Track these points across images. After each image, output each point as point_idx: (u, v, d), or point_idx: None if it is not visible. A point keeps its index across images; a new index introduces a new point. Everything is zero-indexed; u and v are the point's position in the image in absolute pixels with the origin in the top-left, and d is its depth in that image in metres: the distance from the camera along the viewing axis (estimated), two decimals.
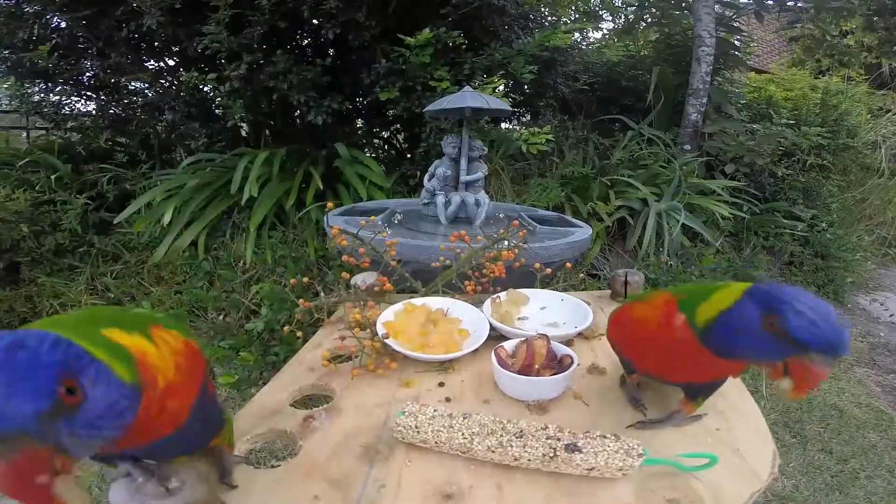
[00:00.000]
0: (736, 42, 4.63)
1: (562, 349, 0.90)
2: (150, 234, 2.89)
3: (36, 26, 3.04)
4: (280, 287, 2.47)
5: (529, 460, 0.66)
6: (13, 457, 0.32)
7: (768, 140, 3.63)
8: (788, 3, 4.84)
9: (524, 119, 4.52)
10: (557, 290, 1.24)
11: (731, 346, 0.59)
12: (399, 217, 2.02)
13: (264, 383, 0.93)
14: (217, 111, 3.29)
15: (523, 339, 0.92)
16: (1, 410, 0.32)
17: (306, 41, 3.47)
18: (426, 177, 1.96)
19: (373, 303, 1.13)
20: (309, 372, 0.95)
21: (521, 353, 0.88)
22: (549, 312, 1.17)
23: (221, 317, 2.54)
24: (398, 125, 3.89)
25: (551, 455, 0.65)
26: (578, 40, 4.96)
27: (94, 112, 3.87)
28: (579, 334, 1.09)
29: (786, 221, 3.71)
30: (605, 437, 0.68)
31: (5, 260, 2.64)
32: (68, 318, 0.46)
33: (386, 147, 4.26)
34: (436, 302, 1.14)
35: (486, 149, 1.98)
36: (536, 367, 0.86)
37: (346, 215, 1.95)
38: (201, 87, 3.25)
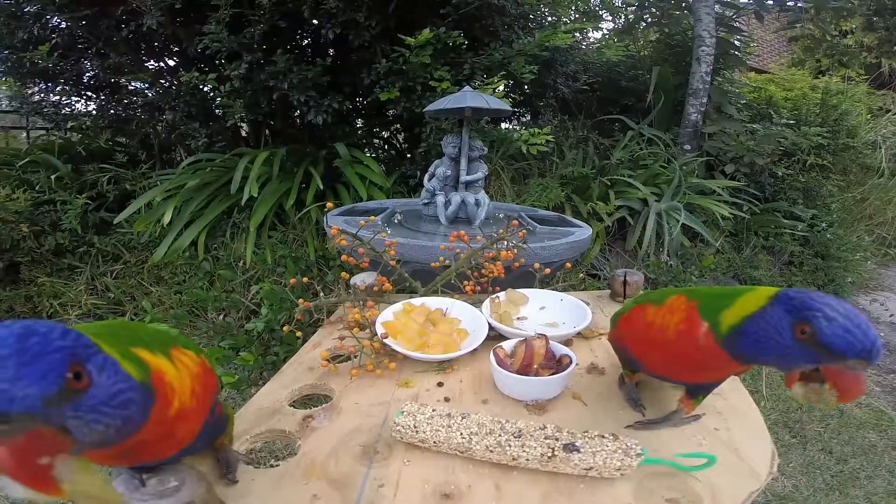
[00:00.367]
0: (736, 42, 4.63)
1: (560, 349, 0.90)
2: (150, 234, 2.90)
3: (36, 26, 3.04)
4: (280, 287, 2.47)
5: (528, 460, 0.66)
6: (18, 438, 0.33)
7: (768, 140, 3.63)
8: (788, 3, 4.84)
9: (524, 119, 4.52)
10: (557, 290, 1.24)
11: (756, 352, 0.58)
12: (399, 217, 2.02)
13: (264, 383, 0.94)
14: (217, 111, 3.29)
15: (522, 339, 0.92)
16: (9, 392, 0.32)
17: (306, 41, 3.47)
18: (426, 177, 1.96)
19: (372, 303, 1.13)
20: (308, 372, 0.95)
21: (520, 352, 0.88)
22: (549, 312, 1.17)
23: (221, 317, 2.55)
24: (398, 125, 3.88)
25: (550, 455, 0.65)
26: (578, 40, 4.95)
27: (94, 112, 3.87)
28: (578, 334, 1.09)
29: (786, 221, 3.71)
30: (603, 436, 0.68)
31: (5, 260, 2.64)
32: (92, 328, 0.47)
33: (386, 147, 4.26)
34: (435, 302, 1.14)
35: (486, 149, 1.98)
36: (535, 366, 0.86)
37: (346, 215, 1.96)
38: (201, 87, 3.25)
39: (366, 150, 3.81)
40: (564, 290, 1.33)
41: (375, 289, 1.19)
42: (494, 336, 1.04)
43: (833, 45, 5.74)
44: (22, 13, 3.07)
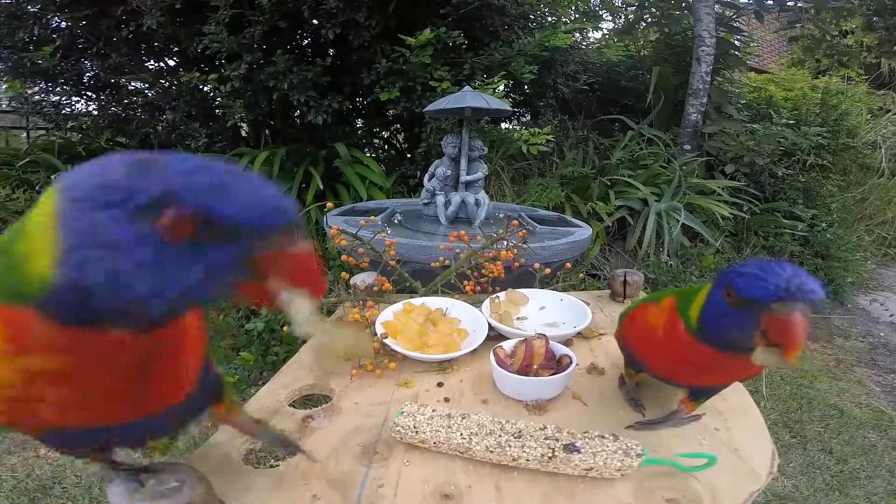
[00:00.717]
0: (736, 42, 4.63)
1: (560, 349, 0.90)
2: None
3: (36, 26, 3.04)
4: None
5: (528, 460, 0.66)
6: (305, 245, 0.33)
7: (768, 140, 3.63)
8: (788, 3, 4.84)
9: (524, 119, 4.52)
10: (557, 290, 1.24)
11: (718, 332, 0.59)
12: (399, 217, 2.02)
13: (264, 383, 0.94)
14: (217, 111, 3.29)
15: (522, 339, 0.92)
16: (284, 204, 0.32)
17: (306, 41, 3.48)
18: (426, 177, 1.96)
19: (372, 303, 1.13)
20: (308, 372, 0.95)
21: (520, 353, 0.88)
22: (549, 312, 1.17)
23: (221, 317, 2.54)
24: (398, 125, 3.88)
25: (550, 455, 0.65)
26: (578, 40, 4.95)
27: (94, 112, 3.87)
28: (578, 334, 1.09)
29: (786, 221, 3.71)
30: (603, 437, 0.68)
31: None
32: None
33: (386, 147, 4.26)
34: (435, 302, 1.14)
35: (486, 149, 1.98)
36: (535, 367, 0.86)
37: (346, 215, 1.96)
38: (201, 87, 3.25)
39: (366, 150, 3.81)
40: (564, 290, 1.33)
41: (375, 289, 1.19)
42: (494, 336, 1.04)
43: (833, 45, 5.74)
44: (22, 13, 3.07)
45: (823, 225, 3.78)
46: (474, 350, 0.99)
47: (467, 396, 0.87)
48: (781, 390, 2.33)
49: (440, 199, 1.87)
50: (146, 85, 3.56)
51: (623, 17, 5.67)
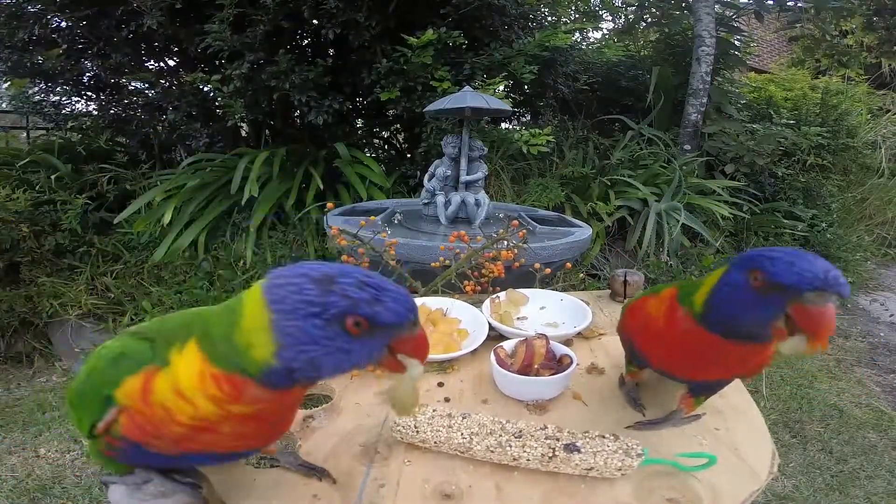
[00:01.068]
0: (736, 42, 4.63)
1: (561, 349, 0.90)
2: (150, 234, 2.89)
3: (36, 26, 3.04)
4: None
5: (528, 460, 0.66)
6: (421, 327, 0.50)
7: (768, 140, 3.63)
8: (788, 3, 4.84)
9: (524, 119, 4.53)
10: (557, 290, 1.24)
11: (729, 317, 0.58)
12: (399, 217, 2.02)
13: None
14: (218, 111, 3.29)
15: (522, 339, 0.92)
16: (409, 300, 0.47)
17: (307, 41, 3.48)
18: (426, 177, 1.96)
19: None
20: None
21: (521, 353, 0.88)
22: (549, 312, 1.17)
23: None
24: (398, 125, 3.89)
25: (550, 455, 0.65)
26: (578, 40, 4.96)
27: (94, 112, 3.87)
28: (578, 334, 1.08)
29: (786, 221, 3.71)
30: (604, 436, 0.68)
31: (5, 260, 2.64)
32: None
33: (386, 147, 4.27)
34: (435, 302, 1.14)
35: (486, 149, 1.98)
36: (535, 366, 0.86)
37: (346, 215, 1.96)
38: (202, 87, 3.25)
39: (366, 150, 3.81)
40: (564, 290, 1.33)
41: None
42: (495, 336, 1.04)
43: (833, 45, 5.75)
44: (23, 13, 3.07)
45: (823, 225, 3.78)
46: (475, 350, 0.99)
47: (468, 396, 0.87)
48: (781, 390, 2.33)
49: (440, 199, 1.87)
50: (146, 85, 3.56)
51: (623, 17, 5.67)
